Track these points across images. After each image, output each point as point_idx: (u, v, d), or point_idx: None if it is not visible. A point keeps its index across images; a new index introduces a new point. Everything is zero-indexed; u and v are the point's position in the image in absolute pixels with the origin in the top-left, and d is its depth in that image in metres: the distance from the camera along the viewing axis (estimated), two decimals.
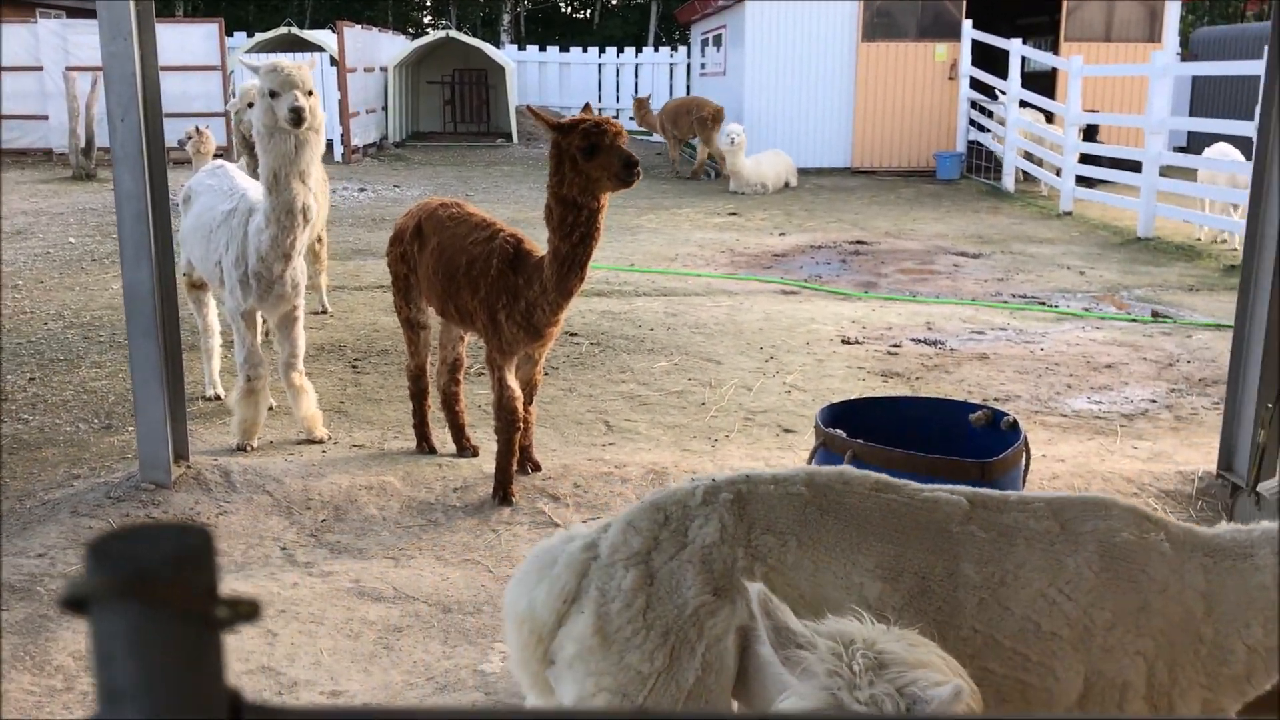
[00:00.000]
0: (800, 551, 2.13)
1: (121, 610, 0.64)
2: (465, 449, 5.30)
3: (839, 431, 3.88)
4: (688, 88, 26.48)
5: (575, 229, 4.19)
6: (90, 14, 26.13)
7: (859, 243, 11.89)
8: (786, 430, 5.79)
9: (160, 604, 0.64)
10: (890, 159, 18.76)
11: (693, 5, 23.99)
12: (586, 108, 4.50)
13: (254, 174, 6.40)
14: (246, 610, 0.67)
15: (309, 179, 4.92)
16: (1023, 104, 16.07)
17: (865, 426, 4.06)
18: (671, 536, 2.13)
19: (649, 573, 2.10)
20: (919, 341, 7.59)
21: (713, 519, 2.14)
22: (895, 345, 7.50)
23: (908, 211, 14.33)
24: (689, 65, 26.77)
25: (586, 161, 4.08)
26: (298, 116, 4.69)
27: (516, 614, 2.19)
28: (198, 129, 11.59)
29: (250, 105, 6.29)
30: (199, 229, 5.45)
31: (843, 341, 7.60)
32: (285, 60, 4.87)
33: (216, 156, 11.39)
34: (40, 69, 19.93)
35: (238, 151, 6.56)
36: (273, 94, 4.73)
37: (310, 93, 4.77)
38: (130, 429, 5.64)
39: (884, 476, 2.30)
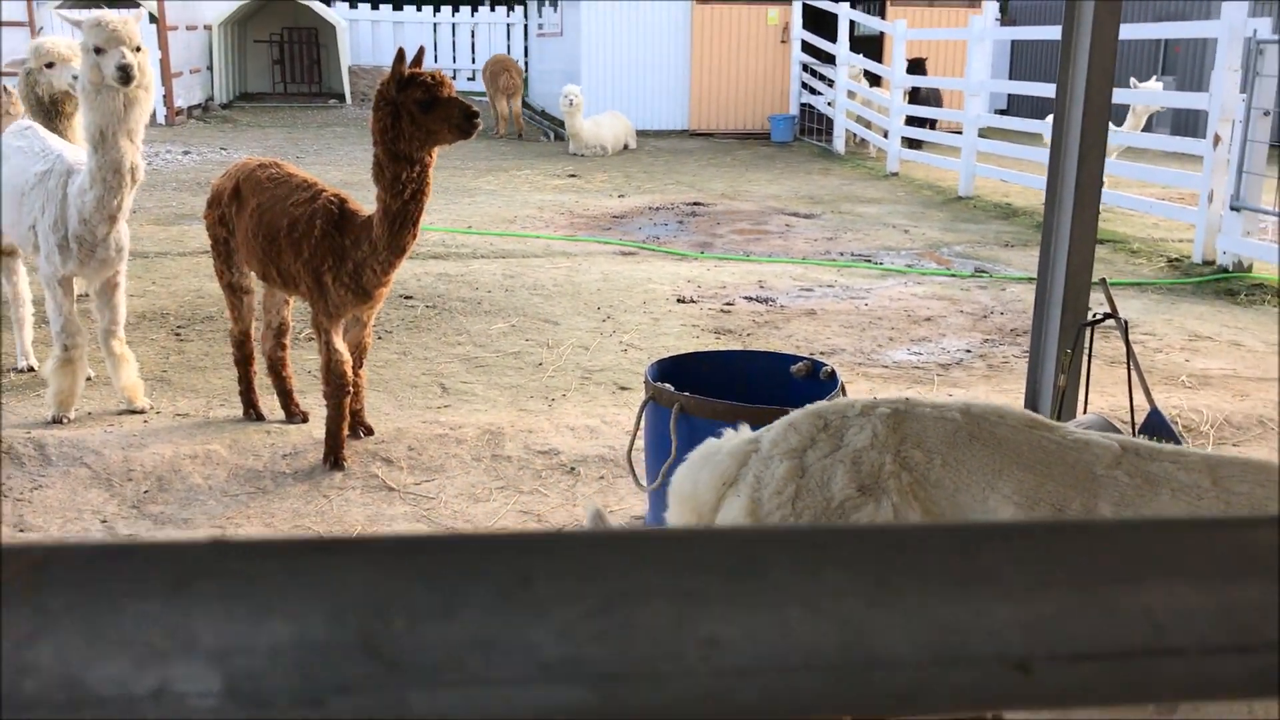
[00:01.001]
0: (944, 470, 2.23)
1: None
2: (294, 415, 5.21)
3: (667, 386, 3.98)
4: (525, 49, 26.24)
5: (408, 185, 4.17)
6: None
7: (696, 204, 12.07)
8: (623, 388, 5.88)
9: None
10: (726, 121, 19.04)
11: None
12: (421, 52, 4.41)
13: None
14: None
15: (137, 138, 4.72)
16: (867, 74, 16.50)
17: (694, 380, 4.18)
18: (828, 439, 2.26)
19: (802, 466, 2.23)
20: (751, 299, 7.79)
21: (867, 427, 2.26)
22: (729, 303, 7.67)
23: (743, 173, 14.60)
24: (526, 26, 26.51)
25: (424, 115, 4.06)
26: (126, 74, 4.46)
27: (681, 494, 2.33)
28: (5, 89, 10.88)
29: (50, 65, 5.90)
30: (9, 193, 5.15)
31: (678, 301, 7.73)
32: (111, 14, 4.62)
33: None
34: None
35: (30, 111, 6.09)
36: (98, 50, 4.48)
37: (139, 49, 4.56)
38: None
39: (1041, 417, 2.38)
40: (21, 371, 5.90)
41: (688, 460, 2.42)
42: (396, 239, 4.29)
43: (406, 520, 4.29)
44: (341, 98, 23.42)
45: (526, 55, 25.68)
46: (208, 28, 21.56)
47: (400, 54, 4.09)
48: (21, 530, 4.10)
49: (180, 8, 19.60)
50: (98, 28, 4.46)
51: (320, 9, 23.69)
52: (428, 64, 4.24)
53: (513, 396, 5.73)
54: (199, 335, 6.67)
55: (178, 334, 6.68)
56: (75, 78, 5.52)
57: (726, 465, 2.30)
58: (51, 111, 5.99)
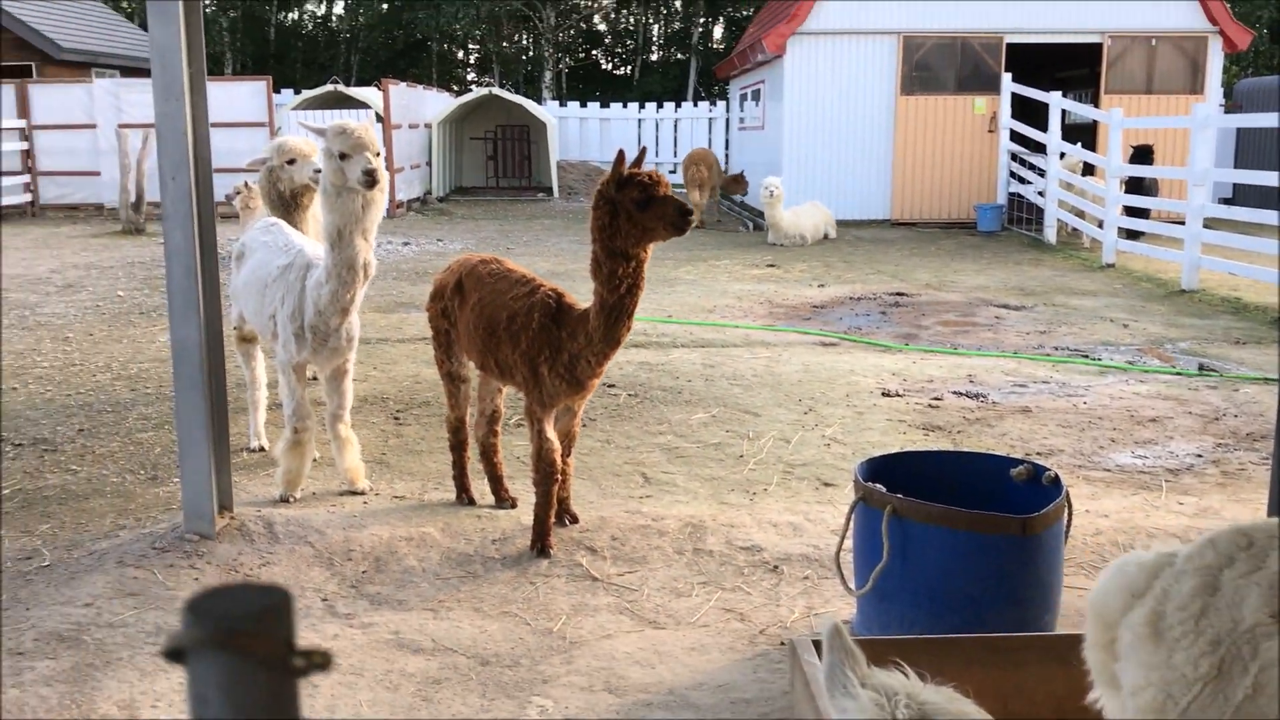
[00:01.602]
0: None
1: (214, 659, 0.76)
2: (504, 501, 5.33)
3: (878, 486, 3.87)
4: (726, 142, 26.75)
5: (624, 279, 4.28)
6: (142, 72, 26.82)
7: (899, 294, 11.88)
8: (826, 484, 5.77)
9: (246, 654, 0.76)
10: (930, 211, 18.77)
11: (731, 61, 24.26)
12: (642, 153, 4.53)
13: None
14: (320, 660, 0.77)
15: (370, 236, 5.01)
16: (1065, 156, 16.06)
17: (905, 481, 4.05)
18: (1249, 559, 2.11)
19: (1214, 583, 2.11)
20: (960, 394, 7.55)
21: None
22: (936, 398, 7.46)
23: (948, 263, 14.31)
24: (727, 120, 27.02)
25: (641, 213, 4.16)
26: (371, 179, 4.76)
27: (1091, 603, 2.30)
28: (246, 184, 11.80)
29: (291, 161, 6.34)
30: (254, 283, 5.55)
31: (883, 394, 7.57)
32: (353, 123, 4.94)
33: None
34: (94, 127, 20.50)
35: (269, 205, 6.54)
36: (343, 156, 4.78)
37: (378, 153, 4.86)
38: (176, 480, 5.72)
39: None
40: (254, 451, 6.27)
41: (1102, 573, 2.33)
42: (611, 331, 4.38)
43: (610, 612, 4.29)
44: (549, 191, 24.33)
45: (727, 148, 26.14)
46: (428, 126, 22.88)
47: (620, 155, 4.21)
48: None
49: (404, 108, 20.88)
50: (343, 135, 4.77)
51: (532, 108, 24.82)
52: (630, 157, 4.36)
53: (714, 489, 5.70)
54: (415, 420, 6.94)
55: (396, 418, 6.98)
56: (317, 171, 5.92)
57: (1135, 577, 2.19)
58: (290, 205, 6.44)
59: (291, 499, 5.38)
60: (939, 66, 18.57)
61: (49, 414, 7.03)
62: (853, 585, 4.01)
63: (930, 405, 7.29)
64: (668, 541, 4.90)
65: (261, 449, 6.26)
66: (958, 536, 3.64)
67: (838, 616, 4.26)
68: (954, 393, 7.60)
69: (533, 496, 4.87)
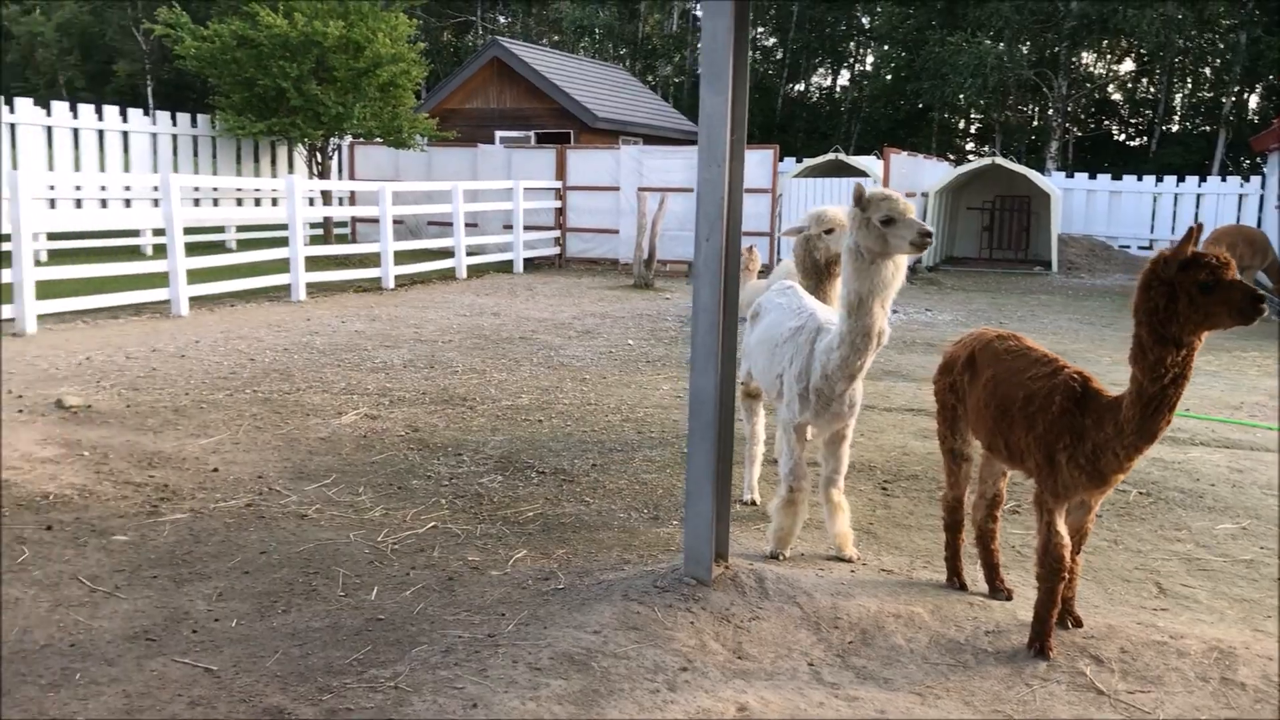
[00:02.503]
0: None
1: None
2: (998, 591, 5.03)
3: None
4: (1259, 221, 24.09)
5: (1171, 369, 3.89)
6: (661, 140, 29.05)
7: None
8: None
9: None
10: None
11: (1273, 132, 21.80)
12: (1199, 229, 4.12)
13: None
14: None
15: (888, 304, 5.00)
16: None
17: None
18: None
19: None
20: None
21: None
22: None
23: None
24: (1262, 197, 24.32)
25: (1205, 297, 3.78)
26: (925, 239, 4.79)
27: None
28: (751, 248, 12.34)
29: (829, 231, 6.48)
30: (765, 343, 5.73)
31: None
32: (891, 191, 4.98)
33: (761, 275, 12.03)
34: (617, 189, 22.54)
35: (803, 272, 6.70)
36: (887, 221, 4.82)
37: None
38: (674, 522, 6.01)
39: None
40: (745, 504, 6.44)
41: None
42: (1148, 424, 3.99)
43: None
44: (1047, 265, 23.23)
45: (1259, 227, 23.51)
46: (924, 195, 22.74)
47: (1189, 233, 3.83)
48: (740, 658, 4.38)
49: (903, 177, 20.93)
50: (889, 201, 4.80)
51: (1035, 178, 23.87)
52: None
53: (1245, 611, 5.01)
54: (904, 492, 6.79)
55: (884, 489, 6.87)
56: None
57: None
58: (823, 273, 6.58)
59: (781, 556, 5.44)
60: None
61: (568, 447, 7.71)
62: None
63: None
64: (1188, 664, 4.36)
65: (753, 502, 6.42)
66: None
67: None
68: None
69: (1032, 591, 4.56)
